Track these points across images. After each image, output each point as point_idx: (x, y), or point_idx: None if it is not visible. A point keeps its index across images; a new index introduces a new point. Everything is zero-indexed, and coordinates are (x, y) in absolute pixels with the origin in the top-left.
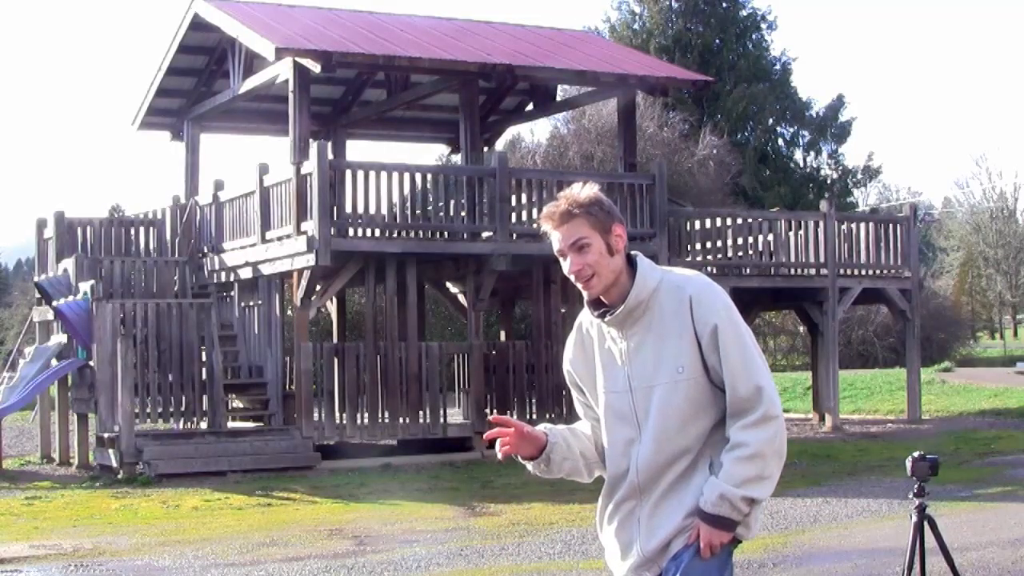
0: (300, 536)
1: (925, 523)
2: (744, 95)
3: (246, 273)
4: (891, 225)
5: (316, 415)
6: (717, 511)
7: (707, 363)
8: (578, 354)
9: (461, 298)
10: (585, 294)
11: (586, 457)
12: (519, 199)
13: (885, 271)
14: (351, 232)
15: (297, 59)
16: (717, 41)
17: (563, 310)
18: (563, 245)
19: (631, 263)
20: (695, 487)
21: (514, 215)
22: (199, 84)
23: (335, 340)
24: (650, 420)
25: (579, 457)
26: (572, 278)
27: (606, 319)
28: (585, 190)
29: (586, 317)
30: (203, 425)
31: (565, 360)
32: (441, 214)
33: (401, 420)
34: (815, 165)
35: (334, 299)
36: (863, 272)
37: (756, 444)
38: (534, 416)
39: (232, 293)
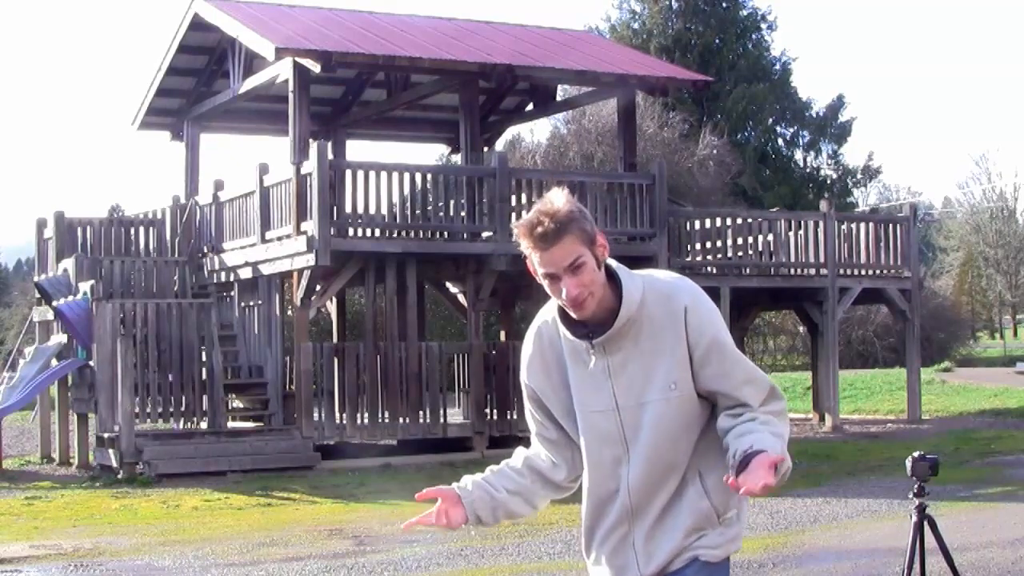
0: (300, 536)
1: (925, 523)
2: (744, 95)
3: (246, 273)
4: (891, 225)
5: (316, 415)
6: (778, 450)
7: (696, 375)
8: (538, 368)
9: (461, 298)
10: (574, 315)
11: (522, 493)
12: (519, 199)
13: (885, 271)
14: (351, 232)
15: (297, 59)
16: (717, 41)
17: None
18: (555, 268)
19: (608, 272)
20: (688, 503)
21: (514, 215)
22: (199, 84)
23: (335, 340)
24: (641, 438)
25: (509, 498)
26: (564, 302)
27: (594, 340)
28: (564, 200)
29: (547, 328)
30: (203, 425)
31: (523, 373)
32: (441, 214)
33: (401, 420)
34: (815, 165)
35: (334, 299)
36: (863, 272)
37: (781, 428)
38: None
39: (232, 293)
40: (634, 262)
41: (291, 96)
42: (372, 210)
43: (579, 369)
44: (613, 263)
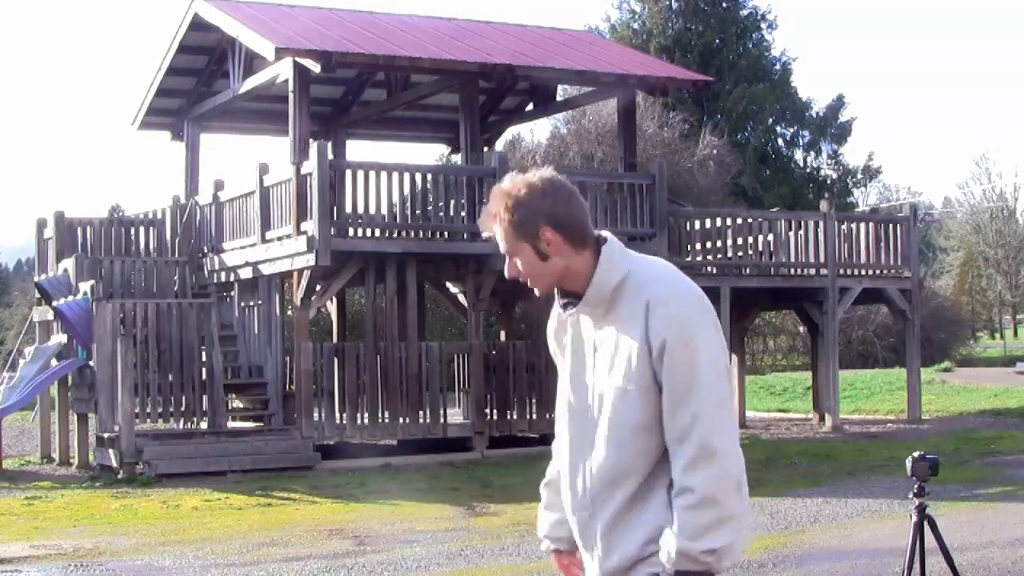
0: (300, 536)
1: (925, 523)
2: (744, 95)
3: (246, 273)
4: (891, 225)
5: (316, 415)
6: (680, 567)
7: (657, 378)
8: (555, 329)
9: (461, 298)
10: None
11: None
12: None
13: (885, 271)
14: (351, 232)
15: (297, 59)
16: (717, 41)
17: None
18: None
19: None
20: (653, 511)
21: None
22: (199, 84)
23: (335, 340)
24: (600, 425)
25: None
26: None
27: (566, 311)
28: (504, 189)
29: None
30: (203, 425)
31: (548, 329)
32: (441, 214)
33: (401, 420)
34: (815, 165)
35: (334, 299)
36: (863, 272)
37: (702, 487)
38: (534, 416)
39: (232, 293)
40: None
41: (291, 96)
42: (372, 210)
43: (576, 338)
44: (609, 239)
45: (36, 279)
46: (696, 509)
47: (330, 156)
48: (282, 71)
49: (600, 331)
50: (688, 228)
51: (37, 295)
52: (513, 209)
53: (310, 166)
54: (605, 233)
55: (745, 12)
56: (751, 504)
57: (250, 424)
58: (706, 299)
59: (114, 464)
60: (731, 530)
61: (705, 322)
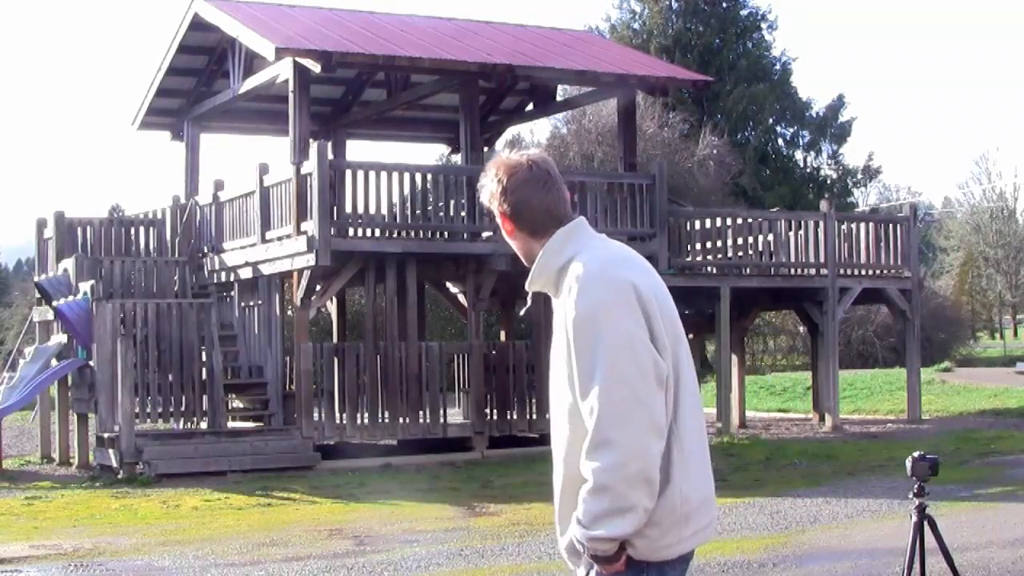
0: (300, 536)
1: (925, 523)
2: (744, 95)
3: (246, 273)
4: (891, 225)
5: (316, 415)
6: (582, 549)
7: None
8: None
9: (461, 298)
10: None
11: None
12: None
13: (885, 271)
14: (351, 232)
15: (297, 59)
16: (717, 41)
17: None
18: None
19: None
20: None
21: None
22: (199, 84)
23: (335, 340)
24: (551, 406)
25: None
26: None
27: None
28: (489, 163)
29: None
30: (203, 425)
31: None
32: (441, 214)
33: (401, 420)
34: (815, 165)
35: (334, 299)
36: (863, 272)
37: (597, 476)
38: (534, 416)
39: (232, 293)
40: None
41: (291, 96)
42: (372, 210)
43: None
44: (567, 226)
45: (36, 279)
46: (592, 496)
47: (330, 156)
48: (282, 71)
49: (556, 314)
50: (688, 228)
51: (37, 295)
52: (483, 187)
53: (310, 166)
54: (578, 218)
55: (745, 12)
56: (752, 504)
57: (250, 424)
58: (627, 287)
59: (114, 464)
60: (632, 521)
61: (615, 311)
